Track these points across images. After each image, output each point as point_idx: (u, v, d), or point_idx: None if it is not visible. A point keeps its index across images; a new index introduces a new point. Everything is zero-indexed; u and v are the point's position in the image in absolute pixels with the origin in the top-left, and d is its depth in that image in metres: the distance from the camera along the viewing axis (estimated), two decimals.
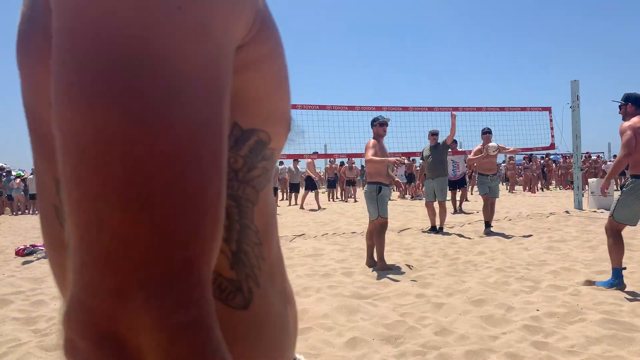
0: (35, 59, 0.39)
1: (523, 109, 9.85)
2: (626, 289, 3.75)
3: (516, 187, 20.33)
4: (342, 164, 17.09)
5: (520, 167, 21.03)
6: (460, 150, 10.10)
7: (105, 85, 0.28)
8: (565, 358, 2.50)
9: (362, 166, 23.32)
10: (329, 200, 16.65)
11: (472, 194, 15.83)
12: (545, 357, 2.50)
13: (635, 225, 3.93)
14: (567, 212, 9.82)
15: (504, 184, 21.23)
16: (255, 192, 0.45)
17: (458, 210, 10.74)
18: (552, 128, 10.17)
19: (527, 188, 18.92)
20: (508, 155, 18.61)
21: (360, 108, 8.35)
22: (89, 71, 0.28)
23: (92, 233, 0.28)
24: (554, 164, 21.13)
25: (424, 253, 5.73)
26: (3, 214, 16.15)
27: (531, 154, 17.80)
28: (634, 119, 3.90)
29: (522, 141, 9.90)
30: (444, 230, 7.69)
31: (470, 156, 7.71)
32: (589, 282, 3.96)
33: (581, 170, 10.97)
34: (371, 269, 4.91)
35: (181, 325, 0.29)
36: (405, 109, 8.69)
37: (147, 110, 0.28)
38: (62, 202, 0.31)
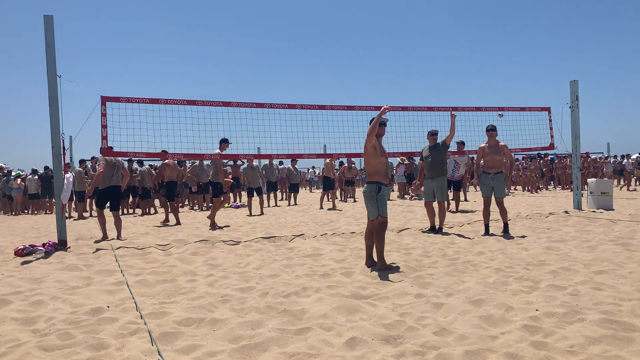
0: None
1: (522, 109, 9.85)
2: (626, 289, 3.75)
3: (516, 188, 20.34)
4: (341, 163, 17.10)
5: (520, 166, 21.03)
6: (465, 150, 10.09)
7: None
8: (565, 358, 2.50)
9: (362, 168, 23.28)
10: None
11: (467, 190, 15.78)
12: (544, 357, 2.49)
13: None
14: (566, 212, 9.83)
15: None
16: None
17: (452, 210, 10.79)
18: (551, 128, 10.17)
19: (526, 188, 18.95)
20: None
21: (360, 108, 8.35)
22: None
23: None
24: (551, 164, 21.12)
25: (423, 253, 5.74)
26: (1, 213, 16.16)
27: (537, 153, 17.74)
28: None
29: (522, 141, 9.87)
30: (443, 230, 7.71)
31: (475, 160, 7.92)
32: None
33: (581, 170, 10.97)
34: (370, 269, 4.92)
35: None
36: (404, 108, 8.68)
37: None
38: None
